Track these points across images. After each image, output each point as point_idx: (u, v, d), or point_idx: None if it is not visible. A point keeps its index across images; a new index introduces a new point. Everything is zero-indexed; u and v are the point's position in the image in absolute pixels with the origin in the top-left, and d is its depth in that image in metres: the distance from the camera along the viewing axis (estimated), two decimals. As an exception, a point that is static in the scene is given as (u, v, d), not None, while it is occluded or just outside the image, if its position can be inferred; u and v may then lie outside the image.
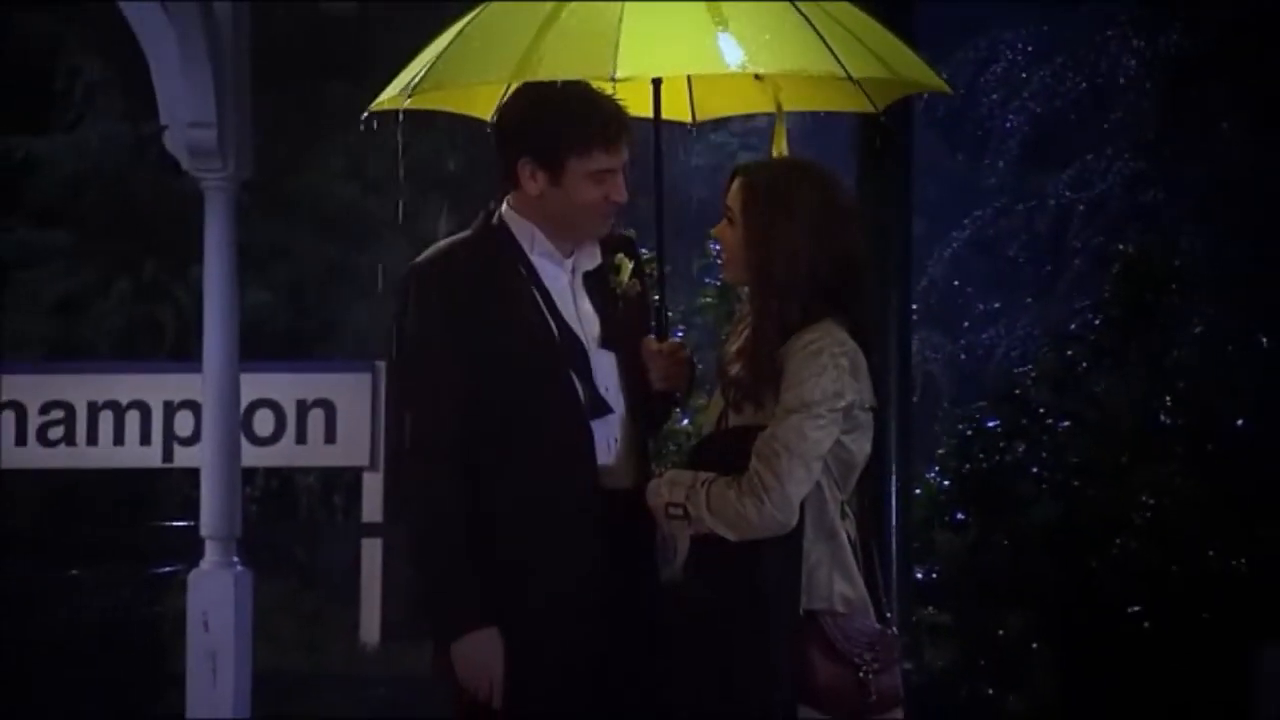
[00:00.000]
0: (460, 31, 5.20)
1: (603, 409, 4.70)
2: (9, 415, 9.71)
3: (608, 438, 4.72)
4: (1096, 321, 7.85)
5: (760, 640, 4.54)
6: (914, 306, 7.44)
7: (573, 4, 5.11)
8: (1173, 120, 10.63)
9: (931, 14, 6.36)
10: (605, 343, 4.77)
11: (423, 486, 4.69)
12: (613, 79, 4.92)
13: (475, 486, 4.63)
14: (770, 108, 5.43)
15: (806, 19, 5.18)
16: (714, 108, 5.65)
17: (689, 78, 5.39)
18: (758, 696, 4.55)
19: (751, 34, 5.13)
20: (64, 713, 9.12)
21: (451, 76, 5.15)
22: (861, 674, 4.54)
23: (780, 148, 5.49)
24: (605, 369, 4.74)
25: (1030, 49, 11.09)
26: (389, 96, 5.31)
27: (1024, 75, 11.04)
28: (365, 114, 5.48)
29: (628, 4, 5.06)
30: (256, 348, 9.46)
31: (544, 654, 4.65)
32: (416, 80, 5.13)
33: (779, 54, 5.17)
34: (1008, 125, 11.06)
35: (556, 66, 4.93)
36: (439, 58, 5.14)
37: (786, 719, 4.54)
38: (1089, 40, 10.98)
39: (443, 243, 4.88)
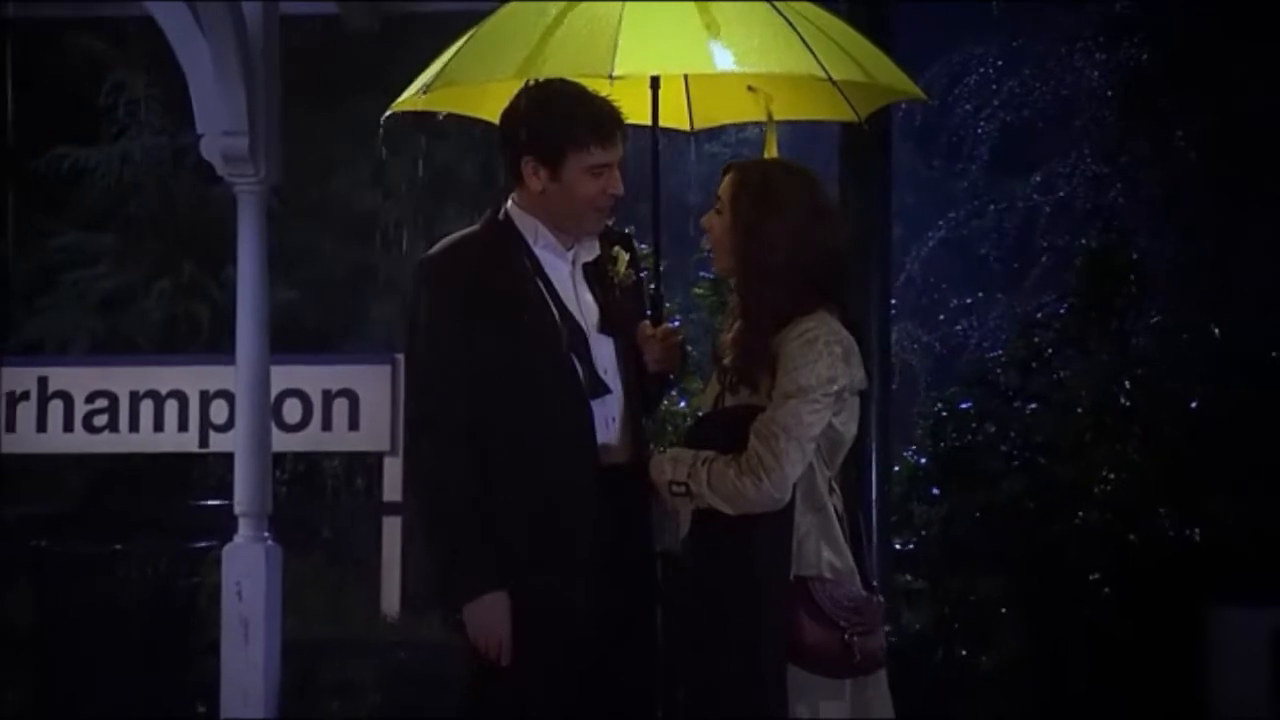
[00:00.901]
0: (472, 35, 5.22)
1: (601, 389, 4.73)
2: (57, 404, 9.72)
3: (606, 416, 4.75)
4: (1061, 311, 7.87)
5: (753, 604, 4.55)
6: (893, 301, 7.45)
7: (575, 10, 5.11)
8: (1131, 128, 10.64)
9: (910, 31, 6.36)
10: (604, 329, 4.80)
11: (433, 461, 4.71)
12: (611, 77, 4.94)
13: (483, 462, 4.63)
14: (762, 116, 5.44)
15: (793, 26, 5.20)
16: (711, 116, 5.68)
17: (687, 88, 5.39)
18: (750, 656, 4.56)
19: (741, 38, 5.16)
20: (110, 674, 9.13)
21: (464, 74, 5.19)
22: (846, 637, 4.56)
23: (772, 153, 5.50)
24: (604, 353, 4.77)
25: (1000, 63, 11.07)
26: (407, 97, 5.33)
27: (994, 87, 11.02)
28: (386, 114, 5.50)
29: (626, 9, 5.07)
30: (285, 342, 9.47)
31: (547, 616, 4.65)
32: (431, 79, 5.14)
33: (766, 57, 5.19)
34: (979, 133, 11.04)
35: (560, 65, 4.96)
36: (453, 57, 5.16)
37: (777, 678, 4.55)
38: (1055, 54, 10.97)
39: (453, 236, 4.90)
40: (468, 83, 5.27)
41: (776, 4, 5.30)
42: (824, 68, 5.15)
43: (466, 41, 5.26)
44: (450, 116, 5.72)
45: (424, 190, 11.04)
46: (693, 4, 5.21)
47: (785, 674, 4.57)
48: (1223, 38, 10.21)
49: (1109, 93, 10.66)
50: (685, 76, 5.35)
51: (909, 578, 6.98)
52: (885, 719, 4.78)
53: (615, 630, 4.76)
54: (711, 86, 5.43)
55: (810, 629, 4.56)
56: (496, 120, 5.32)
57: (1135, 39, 10.53)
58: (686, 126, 5.62)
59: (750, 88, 5.37)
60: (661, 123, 5.30)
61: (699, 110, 5.52)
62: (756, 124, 5.74)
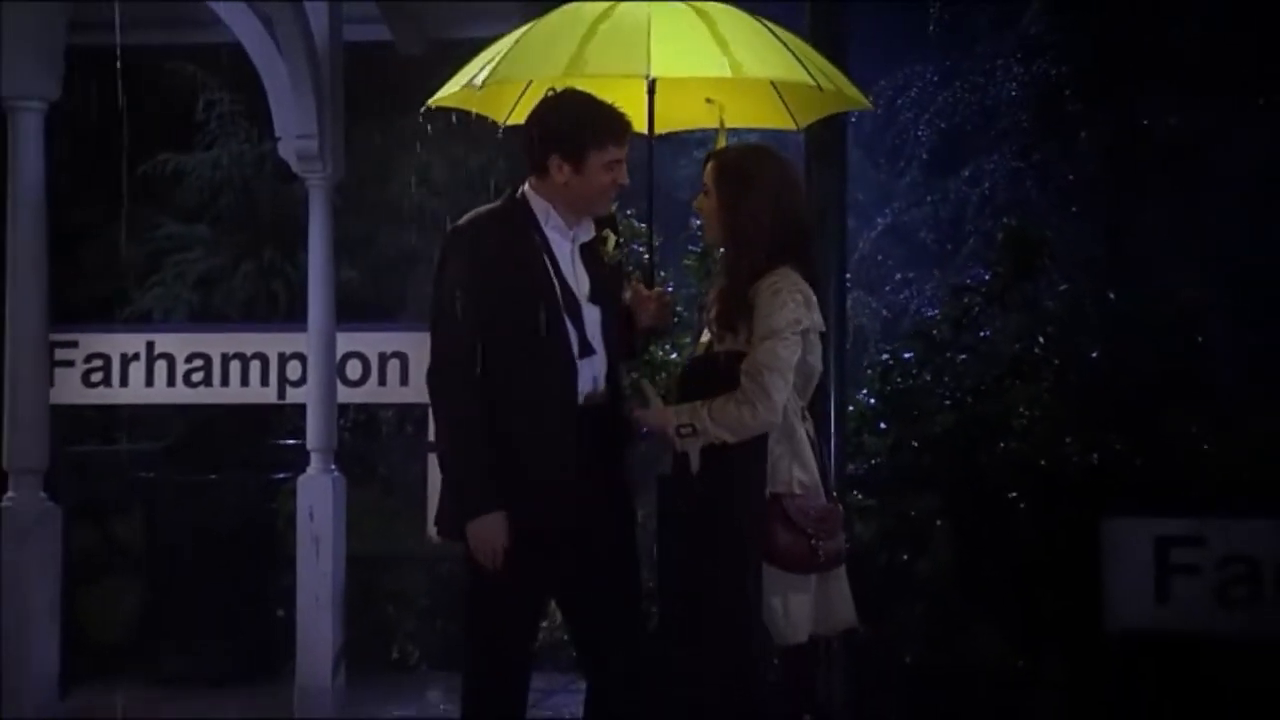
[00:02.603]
0: (517, 40, 5.21)
1: (589, 351, 4.76)
2: (162, 363, 9.74)
3: (591, 372, 4.80)
4: (986, 279, 7.88)
5: (735, 516, 4.62)
6: (848, 275, 7.48)
7: (607, 21, 5.12)
8: (1044, 131, 10.66)
9: (859, 52, 6.40)
10: (593, 299, 4.83)
11: (448, 403, 4.75)
12: (648, 78, 4.98)
13: (489, 404, 4.67)
14: (714, 123, 5.46)
15: (782, 42, 5.22)
16: (671, 123, 5.64)
17: (651, 100, 5.33)
18: (733, 558, 4.63)
19: (745, 49, 5.17)
20: (205, 583, 9.16)
21: (515, 73, 5.19)
22: (813, 541, 4.64)
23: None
24: (593, 319, 4.82)
25: (936, 79, 11.05)
26: (450, 92, 5.32)
27: (930, 99, 11.02)
28: (424, 107, 5.50)
29: (652, 23, 5.07)
30: (348, 313, 9.50)
31: (536, 532, 4.70)
32: (486, 75, 5.11)
33: (767, 66, 5.20)
34: (918, 137, 11.03)
35: (600, 66, 4.97)
36: (503, 58, 5.13)
37: (755, 575, 4.62)
38: (980, 71, 10.98)
39: (478, 210, 4.96)
40: (518, 80, 5.26)
41: (766, 24, 5.34)
42: (812, 76, 5.18)
43: (514, 45, 5.23)
44: (483, 124, 5.72)
45: (461, 188, 11.06)
46: (701, 22, 5.22)
47: (761, 572, 4.64)
48: (1120, 57, 10.27)
49: (1025, 103, 10.69)
50: (651, 91, 5.30)
51: (860, 496, 6.99)
52: (844, 605, 4.86)
53: (594, 541, 4.82)
54: (674, 98, 5.43)
55: (783, 536, 4.64)
56: (501, 119, 5.37)
57: (1047, 58, 10.57)
58: (647, 132, 5.58)
59: (709, 100, 5.39)
60: (630, 128, 5.26)
61: (661, 118, 5.48)
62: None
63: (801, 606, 4.71)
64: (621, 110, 4.83)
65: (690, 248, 7.56)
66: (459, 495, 4.71)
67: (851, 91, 5.47)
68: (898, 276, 10.39)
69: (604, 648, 4.92)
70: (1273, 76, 9.83)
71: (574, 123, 4.77)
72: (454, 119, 8.45)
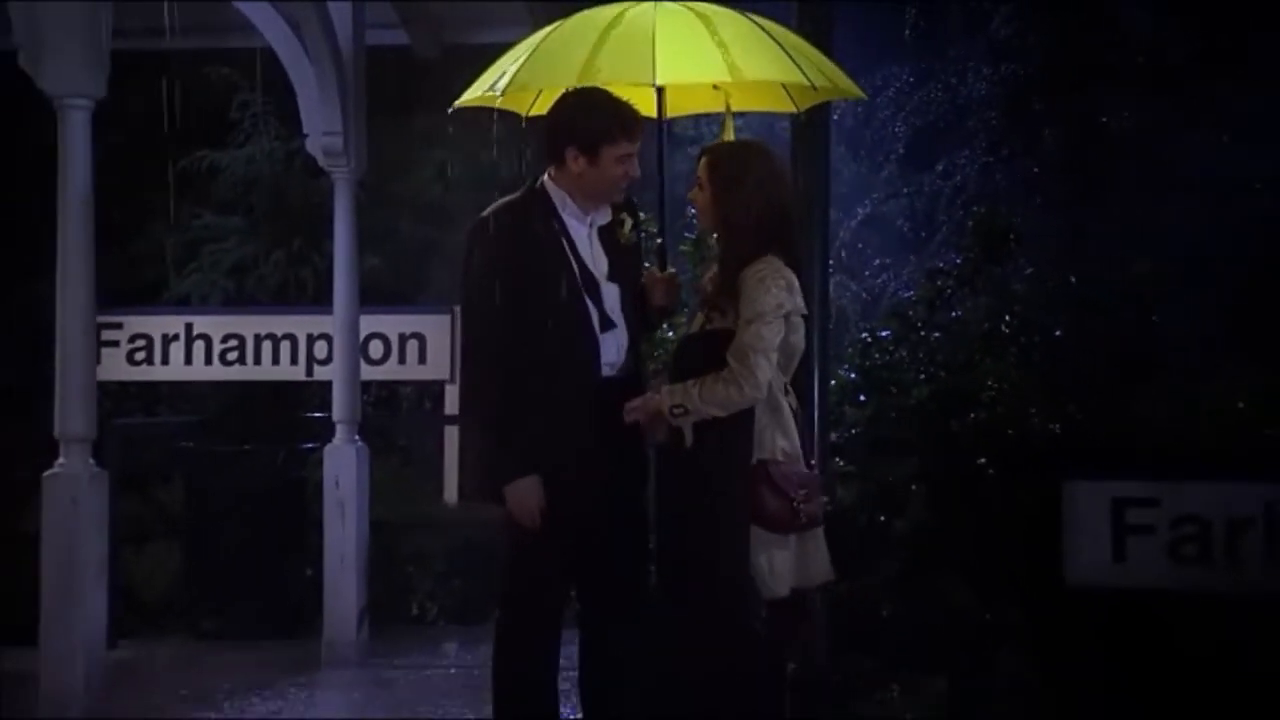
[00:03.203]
0: (535, 47, 5.23)
1: (609, 325, 4.81)
2: (200, 344, 9.81)
3: (612, 345, 4.85)
4: (958, 263, 7.89)
5: (726, 482, 4.65)
6: (830, 261, 7.49)
7: (615, 30, 5.14)
8: (1011, 128, 10.66)
9: (843, 53, 6.40)
10: (611, 278, 4.88)
11: (480, 379, 4.80)
12: (655, 85, 5.01)
13: (517, 377, 4.72)
14: (720, 107, 5.48)
15: (777, 43, 5.22)
16: (679, 108, 5.67)
17: (660, 102, 5.36)
18: (725, 521, 4.67)
19: (744, 52, 5.18)
20: (240, 545, 9.20)
21: (533, 80, 5.24)
22: (795, 504, 4.67)
23: (729, 136, 5.54)
24: (612, 296, 4.87)
25: (911, 80, 11.03)
26: (475, 96, 5.34)
27: (907, 97, 11.01)
28: (452, 108, 5.53)
29: (656, 31, 5.09)
30: (371, 298, 9.54)
31: (565, 493, 4.74)
32: (506, 82, 5.14)
33: (765, 67, 5.20)
34: (895, 134, 11.03)
35: (611, 74, 5.00)
36: (523, 65, 5.15)
37: (742, 534, 4.67)
38: (953, 72, 10.97)
39: (499, 201, 5.01)
40: (535, 87, 5.30)
41: (762, 25, 5.34)
42: (807, 75, 5.18)
43: (531, 54, 5.25)
44: (496, 124, 5.74)
45: (475, 183, 11.09)
46: (701, 25, 5.23)
47: (748, 532, 4.69)
48: (1081, 60, 10.29)
49: (994, 102, 10.69)
50: (660, 94, 5.31)
51: (841, 462, 7.01)
52: (822, 561, 4.91)
53: (615, 501, 4.86)
54: (684, 89, 5.45)
55: (769, 499, 4.70)
56: (524, 112, 5.40)
57: (1014, 60, 10.58)
58: (657, 116, 5.60)
59: (715, 86, 5.41)
60: (641, 113, 5.26)
61: (672, 105, 5.51)
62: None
63: (784, 563, 4.77)
64: (634, 108, 4.89)
65: (686, 234, 7.59)
66: (496, 462, 4.76)
67: (844, 83, 5.47)
68: (876, 262, 10.39)
69: (610, 603, 4.96)
70: (1221, 75, 9.87)
71: (589, 119, 4.83)
72: (471, 118, 8.46)
